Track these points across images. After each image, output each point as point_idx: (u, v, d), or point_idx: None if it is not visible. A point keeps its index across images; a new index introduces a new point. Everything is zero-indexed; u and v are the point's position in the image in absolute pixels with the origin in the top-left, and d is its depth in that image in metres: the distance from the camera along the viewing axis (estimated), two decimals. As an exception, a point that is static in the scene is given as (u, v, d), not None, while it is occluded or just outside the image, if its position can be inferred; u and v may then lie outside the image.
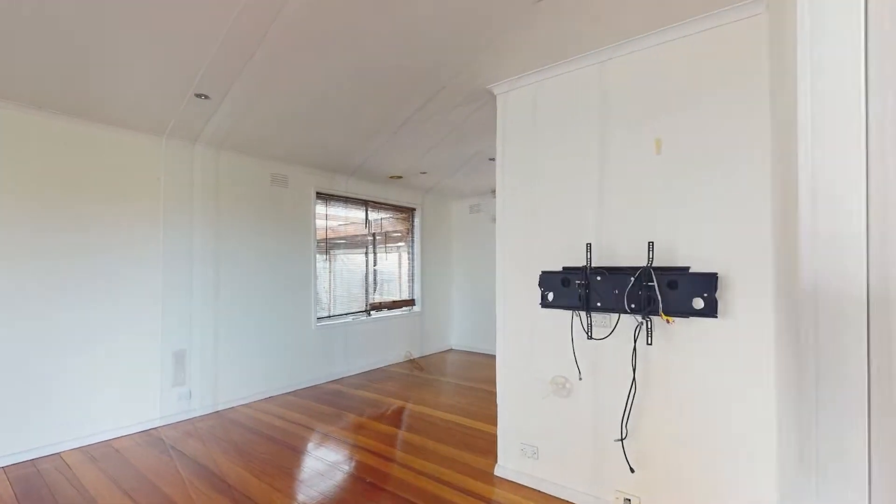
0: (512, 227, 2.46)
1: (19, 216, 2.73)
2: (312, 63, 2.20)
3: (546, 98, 2.33)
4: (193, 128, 3.17)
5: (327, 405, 3.81)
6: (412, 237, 5.91)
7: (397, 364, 5.41)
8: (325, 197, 4.70)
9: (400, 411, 3.64)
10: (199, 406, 3.59)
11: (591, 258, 2.11)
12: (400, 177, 4.83)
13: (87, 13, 1.76)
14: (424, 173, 4.66)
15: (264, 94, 2.59)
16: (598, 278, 2.02)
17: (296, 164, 4.28)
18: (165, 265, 3.39)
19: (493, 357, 5.67)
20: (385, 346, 5.34)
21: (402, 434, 3.14)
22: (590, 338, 2.12)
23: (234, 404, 3.81)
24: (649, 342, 1.95)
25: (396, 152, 3.86)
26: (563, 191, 2.26)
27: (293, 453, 2.83)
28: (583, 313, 2.14)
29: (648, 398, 1.99)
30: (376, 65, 2.23)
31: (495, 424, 3.27)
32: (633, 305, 1.91)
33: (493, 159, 4.08)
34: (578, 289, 2.08)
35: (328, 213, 4.76)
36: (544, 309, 2.29)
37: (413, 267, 5.91)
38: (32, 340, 2.78)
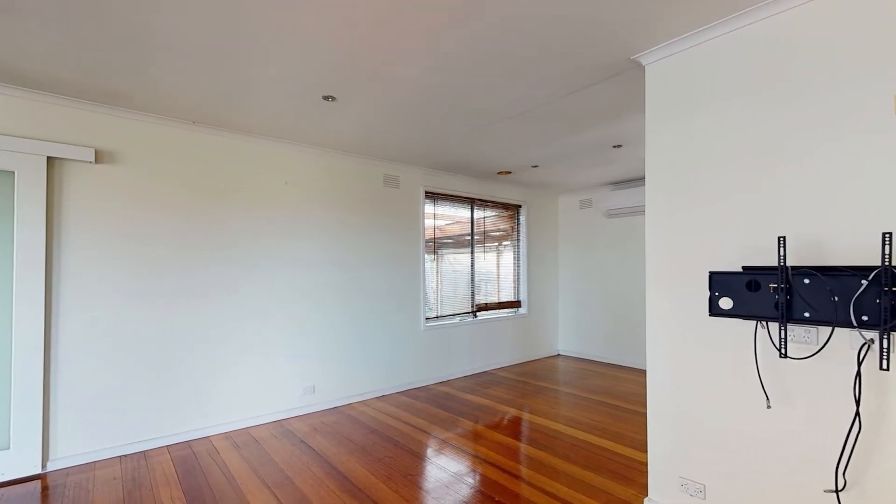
0: (664, 220, 2.07)
1: (174, 220, 3.04)
2: (424, 53, 2.07)
3: (711, 62, 1.92)
4: (316, 132, 3.27)
5: (441, 409, 3.72)
6: (518, 235, 5.64)
7: (503, 368, 5.18)
8: (433, 196, 4.65)
9: (517, 421, 3.40)
10: (321, 401, 3.72)
11: (785, 255, 1.67)
12: (509, 172, 4.60)
13: (231, 36, 1.81)
14: (536, 167, 4.36)
15: (379, 90, 2.53)
16: (806, 281, 1.57)
17: (407, 164, 4.28)
18: (288, 267, 3.57)
19: (608, 365, 5.17)
20: (491, 349, 5.15)
21: (523, 448, 2.90)
22: (783, 356, 1.67)
23: (350, 401, 3.90)
24: (884, 366, 1.46)
25: (509, 145, 3.64)
26: (739, 173, 1.83)
27: (414, 458, 2.74)
28: (775, 325, 1.70)
29: (880, 441, 1.50)
30: (495, 49, 2.02)
31: (629, 446, 2.90)
32: (864, 317, 1.44)
33: (618, 146, 3.65)
34: (774, 294, 1.64)
35: (436, 211, 4.70)
36: (713, 318, 1.88)
37: (518, 266, 5.64)
38: (180, 333, 3.07)
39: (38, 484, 2.44)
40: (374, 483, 2.43)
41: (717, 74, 1.90)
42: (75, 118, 2.67)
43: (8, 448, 2.44)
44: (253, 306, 3.37)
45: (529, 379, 4.69)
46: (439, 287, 4.77)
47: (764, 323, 1.75)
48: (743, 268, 1.78)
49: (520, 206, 5.62)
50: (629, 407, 3.70)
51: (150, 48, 2.05)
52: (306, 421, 3.45)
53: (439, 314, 4.74)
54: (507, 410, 3.66)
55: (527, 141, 3.51)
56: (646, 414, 3.50)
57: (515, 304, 5.58)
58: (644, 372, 4.97)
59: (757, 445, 1.78)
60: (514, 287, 5.62)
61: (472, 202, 5.07)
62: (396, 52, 2.09)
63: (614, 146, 3.65)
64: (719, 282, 1.82)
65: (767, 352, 1.75)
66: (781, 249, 1.66)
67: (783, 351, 1.67)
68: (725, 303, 1.80)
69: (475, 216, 5.12)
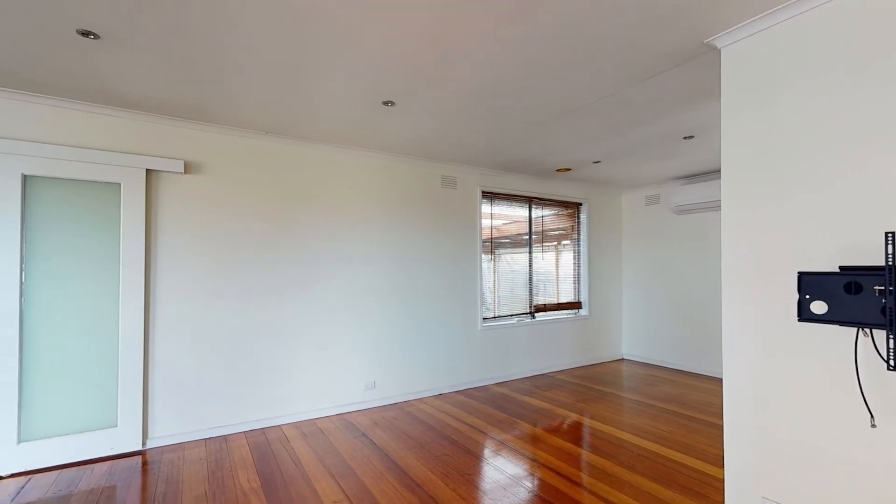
0: (743, 215, 1.90)
1: (250, 224, 3.28)
2: (481, 52, 2.05)
3: (798, 40, 1.72)
4: (376, 136, 3.39)
5: (498, 410, 3.69)
6: (578, 234, 5.45)
7: (562, 371, 5.03)
8: (490, 195, 4.63)
9: (577, 426, 3.28)
10: (381, 397, 3.84)
11: (894, 253, 1.46)
12: (569, 169, 4.46)
13: (298, 52, 1.93)
14: (597, 162, 4.19)
15: (436, 92, 2.56)
16: (921, 283, 1.37)
17: (464, 164, 4.30)
18: (350, 266, 3.72)
19: (677, 372, 4.84)
20: (549, 351, 5.02)
21: (584, 454, 2.80)
22: (892, 368, 1.46)
23: (409, 398, 3.99)
24: None
25: (569, 141, 3.52)
26: (835, 162, 1.63)
27: (471, 458, 2.75)
28: (880, 333, 1.49)
29: None
30: (554, 42, 1.96)
31: (702, 459, 2.69)
32: None
33: (689, 137, 3.41)
34: (880, 297, 1.45)
35: (493, 211, 4.68)
36: (803, 324, 1.69)
37: (579, 266, 5.45)
38: (255, 329, 3.31)
39: (139, 459, 2.75)
40: (432, 479, 2.47)
41: (806, 53, 1.71)
42: (167, 134, 2.98)
43: (116, 426, 2.77)
44: (319, 304, 3.55)
45: (591, 383, 4.51)
46: (496, 287, 4.73)
47: (867, 330, 1.54)
48: (840, 268, 1.58)
49: (580, 204, 5.43)
50: (701, 417, 3.44)
51: (227, 67, 2.23)
52: (367, 415, 3.58)
53: (496, 314, 4.70)
54: (568, 415, 3.55)
55: (588, 136, 3.38)
56: (721, 426, 3.23)
57: (576, 305, 5.40)
58: (718, 380, 4.59)
59: (856, 469, 1.58)
60: (575, 287, 5.43)
61: (529, 201, 4.98)
62: (454, 53, 2.10)
63: (685, 137, 3.40)
64: (811, 283, 1.63)
65: (871, 363, 1.54)
66: (889, 247, 1.46)
67: (892, 363, 1.46)
68: (818, 307, 1.61)
69: (533, 215, 5.02)
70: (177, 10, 1.77)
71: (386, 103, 2.68)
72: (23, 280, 2.54)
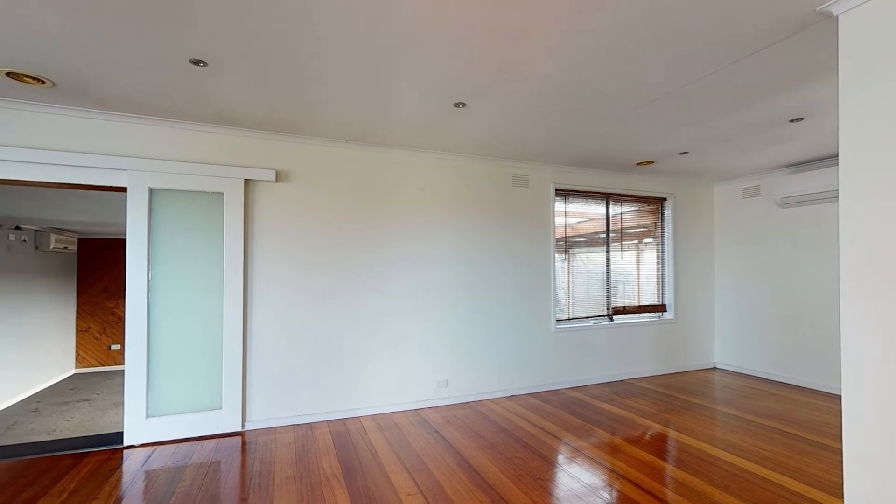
0: (868, 207, 1.63)
1: (333, 226, 3.51)
2: (554, 46, 1.98)
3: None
4: (447, 138, 3.44)
5: (573, 415, 3.55)
6: (661, 232, 5.07)
7: (643, 378, 4.71)
8: (564, 193, 4.48)
9: (661, 438, 3.06)
10: (453, 395, 3.89)
11: None
12: (651, 162, 4.17)
13: (374, 61, 2.02)
14: (685, 153, 3.86)
15: (508, 90, 2.53)
16: None
17: (536, 162, 4.21)
18: (424, 266, 3.81)
19: (781, 384, 4.32)
20: (629, 357, 4.73)
21: (669, 469, 2.59)
22: None
23: (481, 398, 3.99)
24: None
25: (651, 132, 3.29)
26: None
27: (545, 463, 2.68)
28: None
29: None
30: (635, 27, 1.83)
31: (815, 486, 2.36)
32: None
33: (797, 119, 3.01)
34: None
35: (567, 209, 4.52)
36: (952, 336, 1.41)
37: (663, 266, 5.06)
38: (337, 325, 3.52)
39: (238, 439, 3.07)
40: (504, 481, 2.45)
41: (956, 10, 1.42)
42: (260, 146, 3.29)
43: (220, 408, 3.13)
44: (394, 303, 3.70)
45: (677, 393, 4.17)
46: (571, 288, 4.56)
47: None
48: None
49: (664, 199, 5.04)
50: (812, 438, 3.02)
51: (311, 81, 2.40)
52: (440, 412, 3.65)
53: (571, 316, 4.54)
54: (650, 425, 3.32)
55: (674, 125, 3.13)
56: (839, 449, 2.81)
57: (659, 307, 5.02)
58: (834, 396, 3.99)
59: None
60: (658, 289, 5.06)
61: (607, 197, 4.73)
62: (524, 50, 2.07)
63: (791, 120, 3.01)
64: (962, 288, 1.35)
65: None
66: None
67: None
68: (973, 317, 1.33)
69: (611, 212, 4.77)
70: (272, 37, 1.94)
71: (457, 105, 2.71)
72: (149, 280, 2.96)
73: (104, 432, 3.59)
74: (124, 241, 7.01)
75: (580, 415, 3.57)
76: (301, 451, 2.87)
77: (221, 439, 3.06)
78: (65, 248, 6.09)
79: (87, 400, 5.21)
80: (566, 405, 3.82)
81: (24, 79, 2.33)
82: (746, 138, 3.42)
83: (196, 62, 2.17)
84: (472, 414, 3.60)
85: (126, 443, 2.91)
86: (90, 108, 2.79)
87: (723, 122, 3.07)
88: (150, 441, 2.97)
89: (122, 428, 3.12)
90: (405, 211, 3.75)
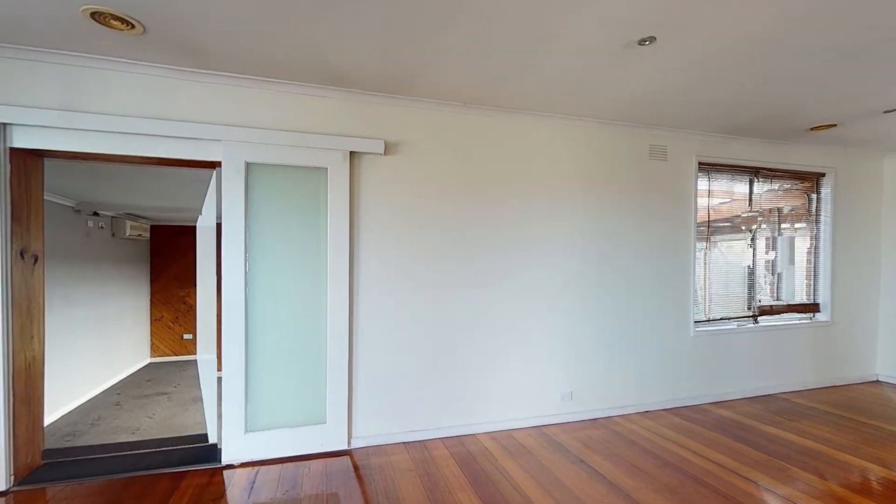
0: None
1: (447, 205, 2.93)
2: None
3: None
4: (593, 97, 2.76)
5: (739, 441, 2.84)
6: (816, 215, 4.17)
7: (795, 393, 3.90)
8: (707, 167, 3.68)
9: (893, 487, 2.30)
10: (578, 410, 3.27)
11: None
12: (832, 125, 3.30)
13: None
14: (891, 111, 2.98)
15: (719, 16, 1.81)
16: None
17: (677, 129, 3.44)
18: (549, 256, 3.18)
19: None
20: (776, 366, 3.92)
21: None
22: None
23: (609, 413, 3.35)
24: None
25: (856, 82, 2.46)
26: None
27: (757, 521, 2.01)
28: None
29: None
30: None
31: None
32: None
33: None
34: None
35: (710, 188, 3.73)
36: None
37: (818, 258, 4.17)
38: (450, 324, 2.95)
39: (347, 460, 2.59)
40: (723, 552, 1.81)
41: None
42: (368, 112, 2.74)
43: (324, 422, 2.66)
44: (518, 297, 3.10)
45: (854, 414, 3.35)
46: (707, 282, 3.80)
47: None
48: None
49: (821, 175, 4.12)
50: None
51: (447, 13, 1.80)
52: (568, 431, 3.04)
53: (709, 316, 3.78)
54: (862, 465, 2.55)
55: (877, 73, 2.29)
56: None
57: (811, 307, 4.15)
58: None
59: None
60: (810, 285, 4.18)
61: (755, 173, 3.88)
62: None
63: None
64: None
65: None
66: None
67: None
68: None
69: (754, 191, 3.92)
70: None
71: (643, 41, 2.02)
72: (246, 269, 2.50)
73: (189, 433, 3.26)
74: (194, 228, 6.82)
75: (749, 442, 2.85)
76: (427, 481, 2.35)
77: (328, 459, 2.60)
78: (139, 235, 5.93)
79: (165, 394, 5.01)
80: (721, 427, 3.11)
81: (111, 21, 1.87)
82: None
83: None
84: (609, 436, 2.97)
85: (224, 461, 2.50)
86: (181, 65, 2.33)
87: None
88: (249, 460, 2.54)
89: (215, 439, 2.73)
90: (528, 188, 3.12)
